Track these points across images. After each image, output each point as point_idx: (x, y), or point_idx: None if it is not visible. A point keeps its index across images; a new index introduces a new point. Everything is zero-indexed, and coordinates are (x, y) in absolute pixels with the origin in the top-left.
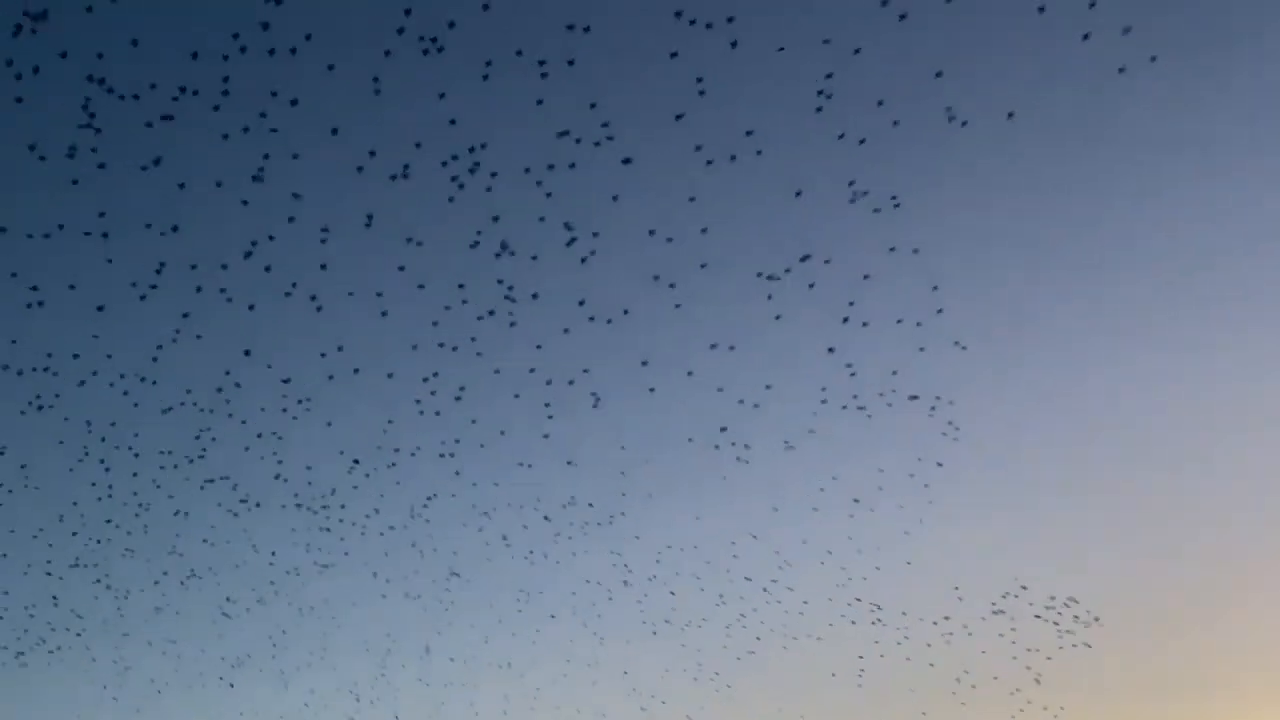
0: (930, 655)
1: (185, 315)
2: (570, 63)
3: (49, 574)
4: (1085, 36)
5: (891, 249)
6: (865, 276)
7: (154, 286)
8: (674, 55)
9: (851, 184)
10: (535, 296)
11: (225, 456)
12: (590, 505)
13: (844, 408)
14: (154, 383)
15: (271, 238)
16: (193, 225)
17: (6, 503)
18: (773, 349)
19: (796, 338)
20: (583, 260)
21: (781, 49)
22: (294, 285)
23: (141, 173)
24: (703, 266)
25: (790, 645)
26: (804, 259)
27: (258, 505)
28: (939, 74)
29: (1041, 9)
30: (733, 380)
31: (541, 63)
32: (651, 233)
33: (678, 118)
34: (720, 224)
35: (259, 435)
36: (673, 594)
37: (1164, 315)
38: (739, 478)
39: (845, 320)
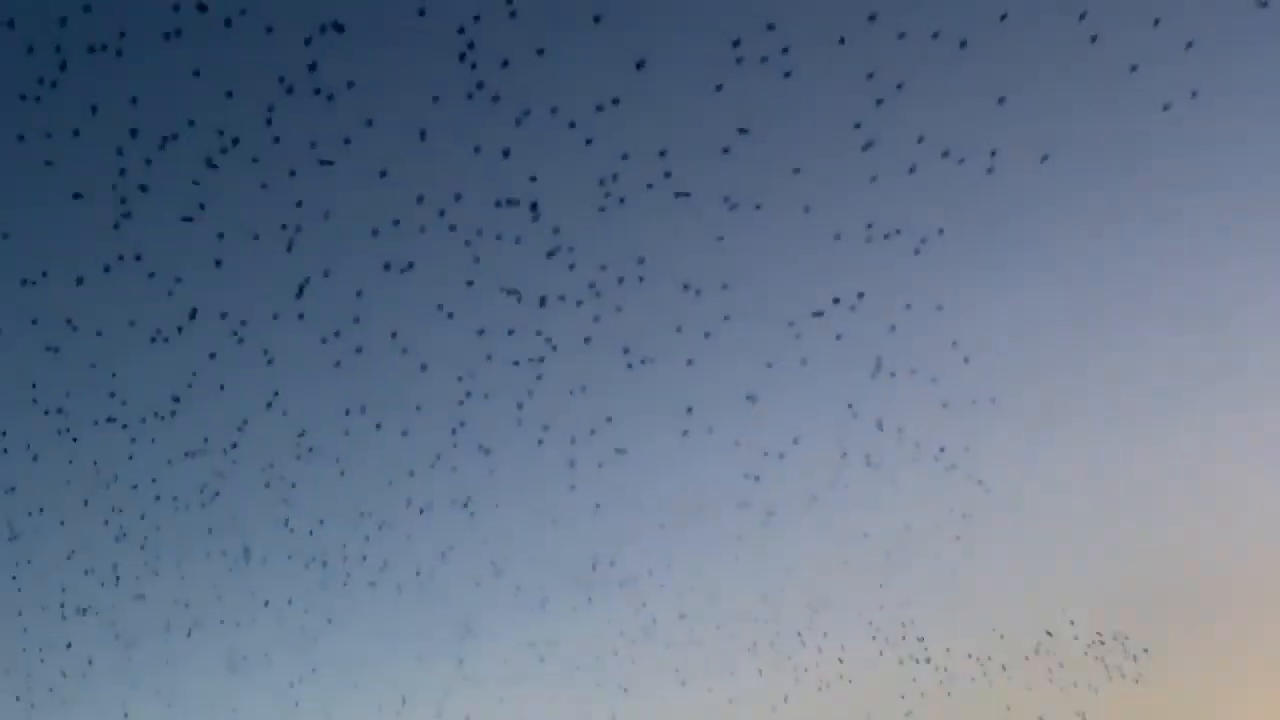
0: (973, 696)
1: (213, 355)
2: (615, 101)
3: (64, 617)
4: (1133, 68)
5: (907, 305)
6: (892, 328)
7: (180, 329)
8: (719, 88)
9: (870, 226)
10: (557, 348)
11: (237, 505)
12: (611, 564)
13: (869, 465)
14: (165, 424)
15: (304, 288)
16: (229, 273)
17: (22, 540)
18: (798, 401)
19: (822, 389)
20: (618, 309)
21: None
22: (323, 340)
23: (182, 221)
24: (726, 318)
25: (826, 688)
26: (835, 301)
27: (264, 560)
28: (997, 100)
29: (1094, 38)
30: (757, 432)
31: (599, 107)
32: (686, 287)
33: (725, 150)
34: (749, 270)
35: (267, 485)
36: (697, 641)
37: (1201, 359)
38: (766, 530)
39: (875, 370)
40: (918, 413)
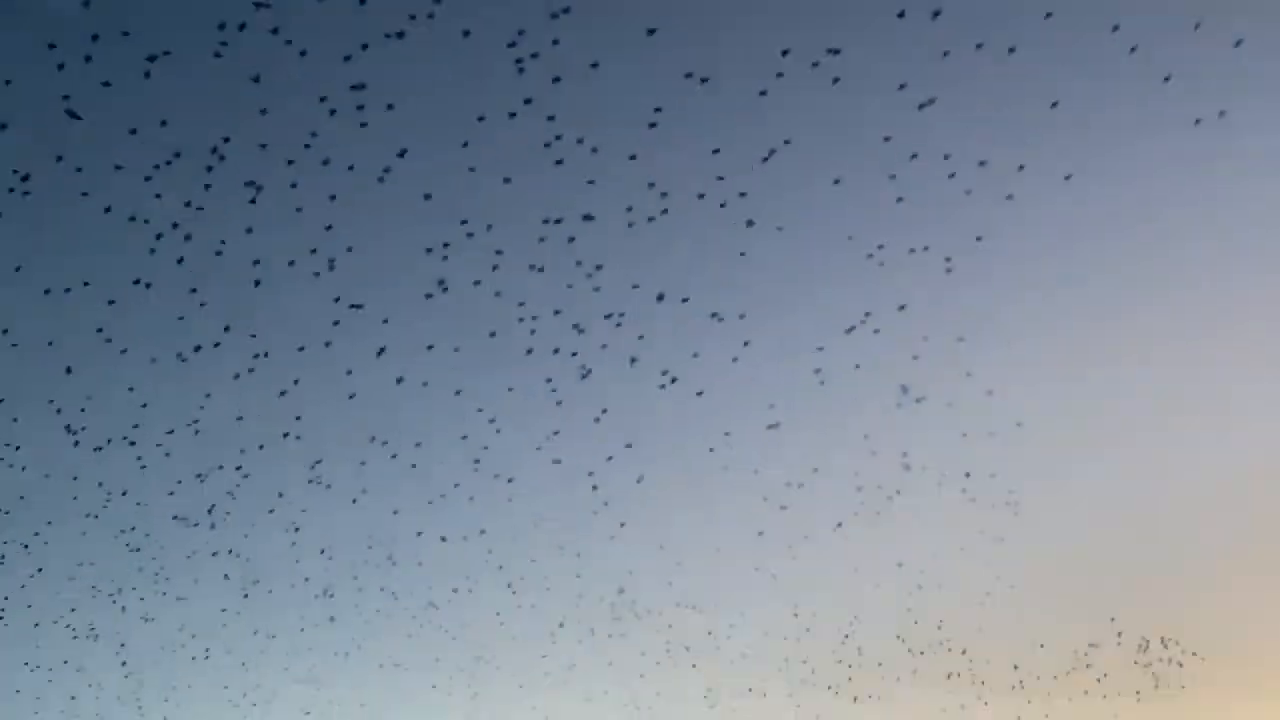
0: (1013, 708)
1: (236, 376)
2: (652, 125)
3: (75, 637)
4: (1166, 78)
5: (925, 338)
6: (914, 357)
7: (197, 349)
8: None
9: (881, 245)
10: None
11: (247, 528)
12: (622, 592)
13: (889, 497)
14: (180, 443)
15: (337, 322)
16: (266, 299)
17: (32, 553)
18: (819, 428)
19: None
20: (640, 337)
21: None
22: (349, 372)
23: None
24: (746, 344)
25: (865, 700)
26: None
27: (269, 591)
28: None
29: (1134, 48)
30: (777, 460)
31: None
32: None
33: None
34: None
35: (271, 510)
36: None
37: (1237, 373)
38: (792, 557)
39: (901, 397)
40: (942, 439)
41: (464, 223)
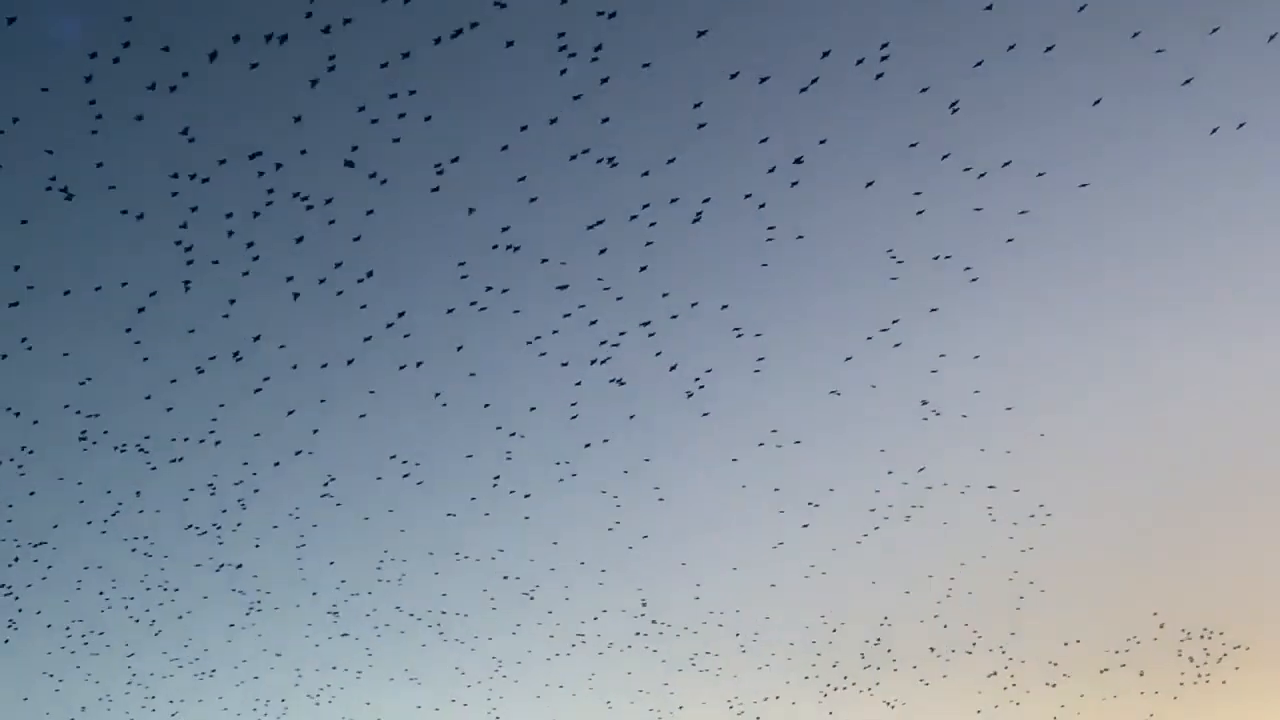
0: (1051, 700)
1: (258, 390)
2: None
3: (85, 642)
4: (1187, 81)
5: (942, 355)
6: (933, 371)
7: (210, 357)
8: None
9: (893, 261)
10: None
11: (250, 547)
12: (643, 605)
13: (908, 516)
14: (196, 453)
15: (369, 338)
16: (299, 312)
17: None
18: (844, 445)
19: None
20: (657, 354)
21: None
22: (372, 392)
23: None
24: (761, 359)
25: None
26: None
27: (275, 609)
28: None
29: (1160, 50)
30: (797, 475)
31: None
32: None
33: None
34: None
35: (275, 526)
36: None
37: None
38: (824, 567)
39: (920, 411)
40: (965, 452)
41: (497, 247)
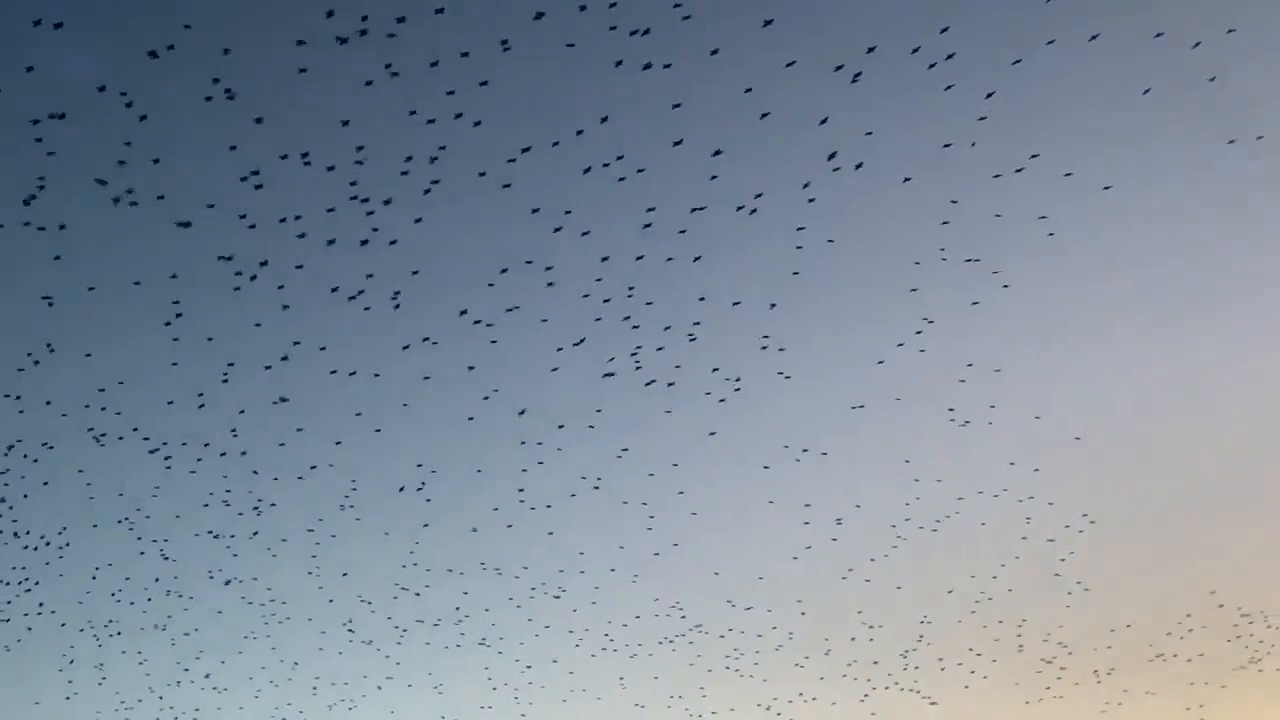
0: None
1: (281, 400)
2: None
3: (99, 645)
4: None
5: (968, 368)
6: (961, 381)
7: (231, 364)
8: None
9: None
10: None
11: (262, 559)
12: (658, 603)
13: (935, 523)
14: (220, 460)
15: (407, 347)
16: (326, 324)
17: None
18: (868, 458)
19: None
20: (676, 366)
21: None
22: (405, 405)
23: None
24: (780, 373)
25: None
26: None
27: (288, 619)
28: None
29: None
30: (823, 492)
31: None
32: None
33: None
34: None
35: (284, 540)
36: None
37: None
38: (854, 575)
39: (948, 417)
40: (995, 459)
41: (530, 262)
